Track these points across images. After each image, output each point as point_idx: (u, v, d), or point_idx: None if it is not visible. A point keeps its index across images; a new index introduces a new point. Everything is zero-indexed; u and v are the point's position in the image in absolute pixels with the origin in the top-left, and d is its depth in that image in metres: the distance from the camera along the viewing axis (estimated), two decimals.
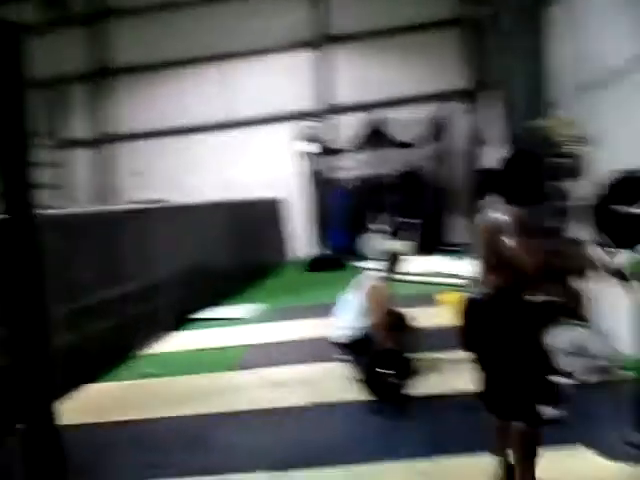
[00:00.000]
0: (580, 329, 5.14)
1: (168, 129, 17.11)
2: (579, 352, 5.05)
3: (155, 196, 12.99)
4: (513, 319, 3.12)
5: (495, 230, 3.11)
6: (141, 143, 17.39)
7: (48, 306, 3.13)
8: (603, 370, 5.13)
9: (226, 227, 11.85)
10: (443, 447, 4.11)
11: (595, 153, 6.50)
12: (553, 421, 3.13)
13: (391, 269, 5.89)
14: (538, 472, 3.52)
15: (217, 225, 11.61)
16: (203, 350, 7.71)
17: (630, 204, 3.70)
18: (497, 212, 3.17)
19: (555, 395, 3.18)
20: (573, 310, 6.39)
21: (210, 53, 16.77)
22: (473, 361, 3.34)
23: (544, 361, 3.26)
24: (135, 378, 6.58)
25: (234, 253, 12.09)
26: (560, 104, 7.84)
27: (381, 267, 5.86)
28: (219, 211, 11.71)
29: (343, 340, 5.67)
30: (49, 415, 3.12)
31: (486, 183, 3.13)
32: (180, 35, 16.74)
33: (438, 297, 8.36)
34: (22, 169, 3.04)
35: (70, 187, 17.17)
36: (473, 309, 3.25)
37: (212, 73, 16.98)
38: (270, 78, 16.63)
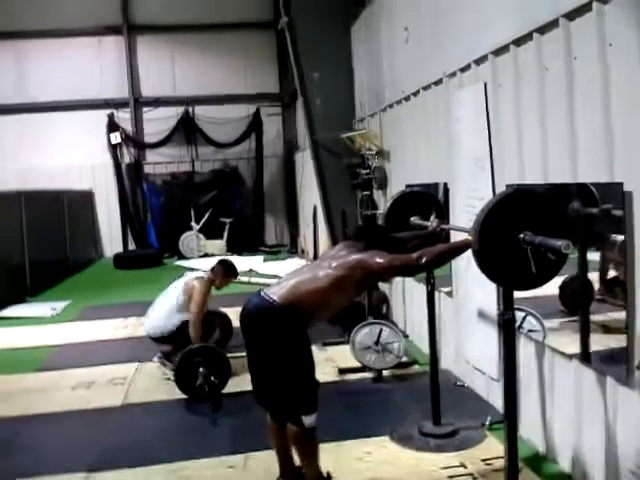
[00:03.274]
0: (381, 327, 5.58)
1: None
2: (380, 348, 5.48)
3: None
4: (295, 335, 3.24)
5: (364, 261, 3.28)
6: None
7: None
8: (401, 365, 5.62)
9: (30, 219, 11.09)
10: (254, 443, 4.27)
11: (394, 166, 7.11)
12: (313, 429, 3.31)
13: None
14: (344, 461, 3.84)
15: (16, 217, 10.82)
16: (5, 350, 7.25)
17: (409, 215, 4.17)
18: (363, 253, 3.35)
19: (314, 404, 3.30)
20: (375, 309, 6.93)
21: (5, 29, 15.13)
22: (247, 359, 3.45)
23: (309, 369, 3.36)
24: None
25: (38, 247, 11.37)
26: (363, 117, 8.38)
27: (195, 265, 5.94)
28: (19, 201, 10.90)
29: (158, 336, 5.69)
30: None
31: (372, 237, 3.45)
32: None
33: None
34: None
35: None
36: (261, 313, 3.29)
37: (7, 51, 15.36)
38: (74, 62, 15.43)
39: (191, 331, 5.44)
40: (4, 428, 4.84)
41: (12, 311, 9.36)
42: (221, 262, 6.10)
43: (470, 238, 2.94)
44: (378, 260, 3.22)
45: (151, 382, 5.78)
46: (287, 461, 3.56)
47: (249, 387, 5.35)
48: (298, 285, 3.28)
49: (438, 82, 5.48)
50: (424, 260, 3.12)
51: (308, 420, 3.26)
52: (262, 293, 3.30)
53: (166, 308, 5.69)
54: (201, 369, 5.14)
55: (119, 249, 15.63)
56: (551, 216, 2.85)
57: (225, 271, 5.96)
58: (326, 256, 3.53)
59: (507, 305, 3.00)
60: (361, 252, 3.33)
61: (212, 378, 5.13)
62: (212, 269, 5.96)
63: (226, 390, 5.33)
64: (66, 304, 9.84)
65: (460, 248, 3.22)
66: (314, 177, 9.26)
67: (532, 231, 2.77)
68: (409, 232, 4.00)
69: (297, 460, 3.54)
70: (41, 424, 4.92)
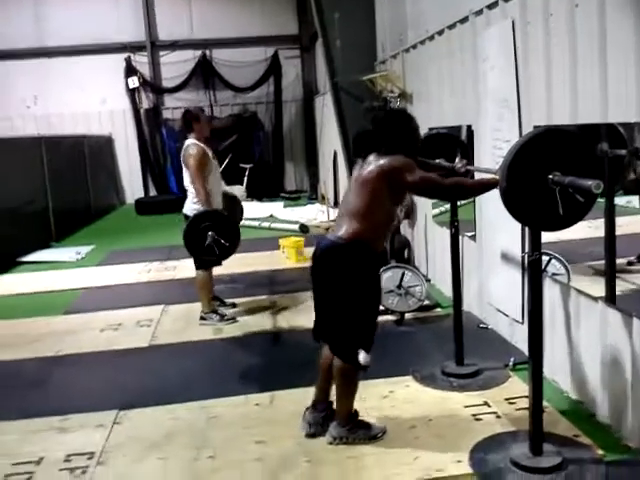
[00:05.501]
0: (404, 270, 5.59)
1: None
2: (403, 291, 5.52)
3: None
4: (363, 268, 3.32)
5: (392, 171, 3.30)
6: None
7: None
8: (423, 308, 5.66)
9: (51, 165, 11.14)
10: (280, 382, 4.36)
11: (416, 109, 7.00)
12: (365, 367, 3.37)
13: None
14: (369, 399, 3.91)
15: (38, 162, 10.87)
16: (33, 294, 7.39)
17: (434, 158, 4.11)
18: (382, 159, 3.35)
19: (372, 342, 3.40)
20: (397, 253, 6.96)
21: None
22: (313, 299, 3.55)
23: (376, 310, 3.52)
24: None
25: (61, 193, 11.46)
26: (385, 58, 8.21)
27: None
28: (40, 146, 10.94)
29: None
30: None
31: (365, 143, 3.34)
32: None
33: (280, 241, 8.64)
34: None
35: None
36: (326, 253, 3.40)
37: None
38: (91, 6, 15.22)
39: (197, 195, 5.47)
40: (36, 368, 4.99)
41: (38, 256, 9.50)
42: (183, 115, 5.82)
43: (497, 178, 2.94)
44: (408, 173, 3.28)
45: (177, 324, 5.89)
46: (323, 393, 3.66)
47: (271, 328, 5.60)
48: (350, 217, 3.36)
49: (464, 20, 5.34)
50: (454, 183, 3.35)
51: (363, 357, 3.32)
52: (328, 235, 3.46)
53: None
54: (210, 232, 5.24)
55: (140, 195, 15.71)
56: (581, 157, 2.81)
57: (193, 118, 5.66)
58: (355, 179, 3.54)
59: (534, 246, 2.98)
60: (381, 158, 3.37)
61: (222, 241, 5.25)
62: (187, 130, 5.69)
63: (247, 331, 5.46)
64: (90, 249, 9.98)
65: (488, 185, 3.27)
66: (334, 122, 9.16)
67: (561, 172, 2.74)
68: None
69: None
70: (71, 364, 5.06)
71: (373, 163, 3.39)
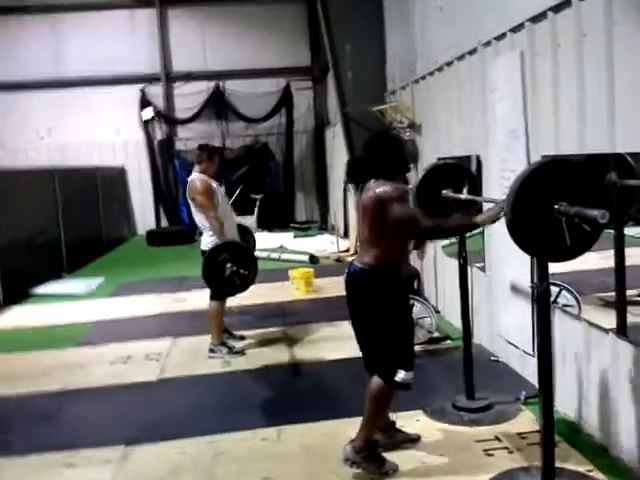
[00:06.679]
0: (413, 302, 5.55)
1: None
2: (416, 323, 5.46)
3: None
4: (390, 289, 3.41)
5: (383, 200, 3.33)
6: None
7: None
8: (433, 340, 5.60)
9: (64, 196, 11.23)
10: (287, 416, 4.31)
11: (425, 139, 7.03)
12: (406, 385, 3.43)
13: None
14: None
15: (51, 194, 10.94)
16: (44, 327, 7.39)
17: (442, 188, 4.10)
18: (379, 186, 3.40)
19: (412, 361, 3.48)
20: (407, 284, 6.90)
21: (42, 3, 15.23)
22: (353, 327, 3.60)
23: (410, 328, 3.61)
24: None
25: (73, 224, 11.52)
26: (394, 89, 8.27)
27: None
28: (54, 178, 11.01)
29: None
30: None
31: (359, 168, 3.36)
32: None
33: (290, 272, 8.62)
34: None
35: None
36: (356, 280, 3.48)
37: (43, 26, 15.46)
38: (107, 38, 15.41)
39: (211, 229, 5.51)
40: (45, 402, 4.96)
41: (49, 288, 9.51)
42: (199, 148, 5.89)
43: (478, 220, 3.26)
44: (396, 204, 3.31)
45: (185, 357, 5.85)
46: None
47: (279, 361, 5.55)
48: (368, 245, 3.46)
49: (473, 52, 5.37)
50: (426, 225, 3.41)
51: (404, 375, 3.40)
52: (355, 262, 3.53)
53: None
54: (228, 264, 5.30)
55: (152, 226, 15.78)
56: (587, 187, 2.78)
57: (207, 155, 5.71)
58: (358, 206, 3.62)
59: (542, 277, 2.94)
60: (379, 185, 3.42)
61: (241, 270, 5.30)
62: (198, 161, 5.75)
63: (257, 365, 5.44)
64: (101, 281, 9.98)
65: (468, 226, 3.56)
66: (344, 152, 9.20)
67: (567, 202, 2.71)
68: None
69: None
70: (80, 398, 5.03)
71: (371, 190, 3.45)
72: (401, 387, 3.46)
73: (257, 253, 10.84)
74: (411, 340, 3.59)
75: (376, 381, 3.46)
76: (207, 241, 5.61)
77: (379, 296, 3.40)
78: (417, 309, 5.52)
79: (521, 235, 2.79)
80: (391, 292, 3.42)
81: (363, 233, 3.55)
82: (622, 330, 3.41)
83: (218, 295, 5.70)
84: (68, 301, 8.72)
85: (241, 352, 5.82)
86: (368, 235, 3.47)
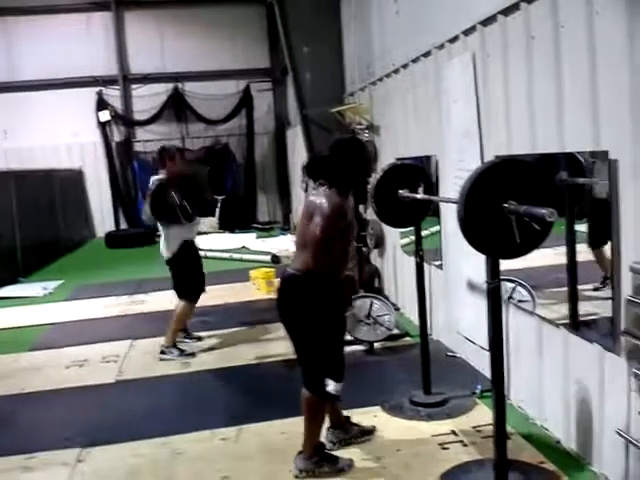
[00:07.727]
0: (371, 300, 5.61)
1: None
2: (372, 321, 5.52)
3: None
4: (319, 297, 3.32)
5: (322, 213, 3.28)
6: None
7: None
8: (392, 337, 5.66)
9: (21, 199, 11.00)
10: (247, 416, 4.32)
11: (384, 140, 7.10)
12: (335, 397, 3.41)
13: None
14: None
15: (7, 197, 10.71)
16: None
17: (399, 189, 4.14)
18: (323, 197, 3.34)
19: (341, 372, 3.41)
20: (366, 283, 6.98)
21: None
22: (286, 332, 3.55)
23: (340, 339, 3.54)
24: None
25: (30, 227, 11.31)
26: (353, 91, 8.33)
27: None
28: (9, 181, 10.82)
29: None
30: None
31: (319, 166, 3.35)
32: None
33: (250, 273, 8.62)
34: None
35: None
36: (285, 285, 3.44)
37: None
38: (63, 40, 15.08)
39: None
40: (0, 406, 4.88)
41: (4, 291, 9.35)
42: (159, 151, 6.04)
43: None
44: (320, 219, 3.25)
45: (143, 359, 5.81)
46: (334, 415, 3.77)
47: (240, 360, 5.54)
48: (303, 249, 3.36)
49: (427, 54, 5.45)
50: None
51: (333, 386, 3.35)
52: (289, 267, 3.47)
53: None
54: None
55: (111, 228, 15.59)
56: (537, 186, 2.85)
57: (168, 157, 5.77)
58: (303, 210, 3.55)
59: (493, 274, 3.01)
60: (323, 195, 3.36)
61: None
62: (161, 164, 5.82)
63: (217, 365, 5.44)
64: (58, 284, 9.84)
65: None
66: (305, 153, 9.23)
67: (518, 201, 2.77)
68: None
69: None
70: (36, 402, 4.96)
71: (317, 197, 3.40)
72: (330, 398, 3.42)
73: (219, 254, 10.93)
74: (341, 351, 3.47)
75: (305, 392, 3.43)
76: (165, 247, 5.69)
77: (307, 304, 3.33)
78: (376, 307, 5.58)
79: (472, 234, 2.84)
80: (319, 300, 3.32)
81: (299, 236, 3.47)
82: (574, 325, 3.51)
83: (187, 294, 5.67)
84: (24, 305, 8.58)
85: (192, 354, 5.76)
86: (302, 239, 3.39)
